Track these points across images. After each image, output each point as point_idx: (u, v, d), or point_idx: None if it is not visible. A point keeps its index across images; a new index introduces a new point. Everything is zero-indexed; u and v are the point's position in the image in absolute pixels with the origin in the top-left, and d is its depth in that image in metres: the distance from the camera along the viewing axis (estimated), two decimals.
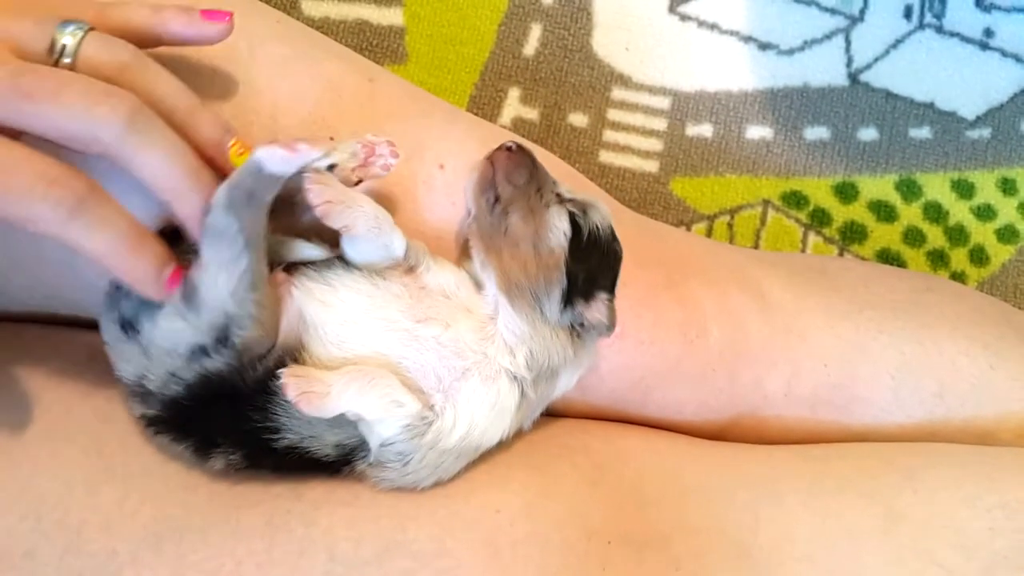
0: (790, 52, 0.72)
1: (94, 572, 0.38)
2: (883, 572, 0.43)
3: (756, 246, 0.69)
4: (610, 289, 0.43)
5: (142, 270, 0.36)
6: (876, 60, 0.72)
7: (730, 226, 0.70)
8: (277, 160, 0.36)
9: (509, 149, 0.43)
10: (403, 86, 0.49)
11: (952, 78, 0.72)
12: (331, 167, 0.39)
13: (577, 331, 0.43)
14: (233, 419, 0.38)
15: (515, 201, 0.42)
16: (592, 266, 0.42)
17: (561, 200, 0.43)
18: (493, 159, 0.43)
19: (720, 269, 0.53)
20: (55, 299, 0.44)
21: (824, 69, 0.71)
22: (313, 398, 0.37)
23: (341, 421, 0.39)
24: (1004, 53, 0.73)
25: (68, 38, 0.36)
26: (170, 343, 0.38)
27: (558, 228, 0.42)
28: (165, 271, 0.36)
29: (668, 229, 0.56)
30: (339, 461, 0.40)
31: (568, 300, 0.42)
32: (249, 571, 0.38)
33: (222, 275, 0.37)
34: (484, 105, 0.68)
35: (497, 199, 0.42)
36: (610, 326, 0.42)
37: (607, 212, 0.44)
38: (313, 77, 0.45)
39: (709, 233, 0.69)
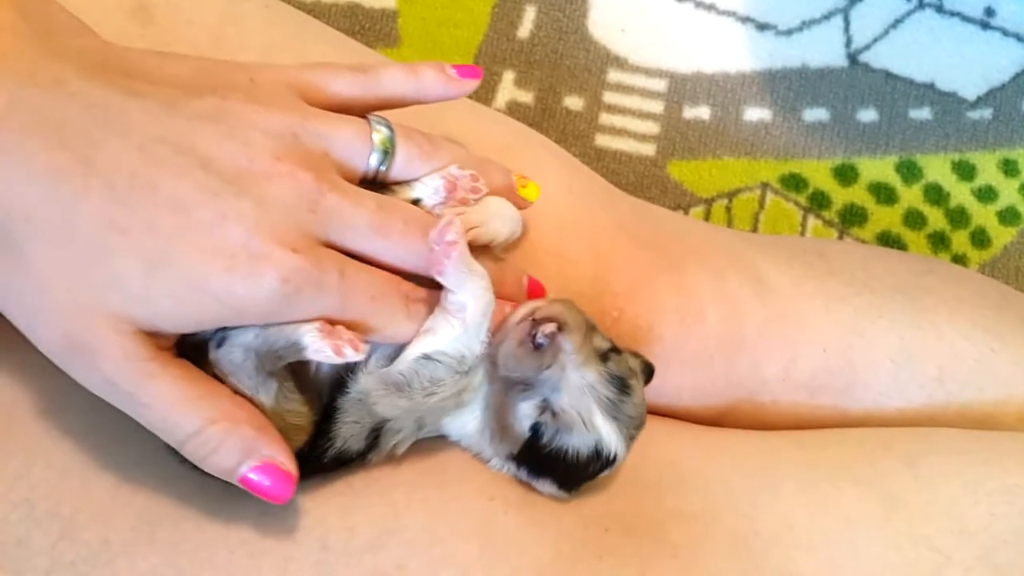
0: (788, 33, 0.71)
1: (87, 561, 0.38)
2: (881, 558, 0.43)
3: (755, 229, 0.69)
4: (566, 487, 0.40)
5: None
6: (876, 40, 0.71)
7: (728, 209, 0.69)
8: (322, 356, 0.35)
9: (532, 337, 0.38)
10: None
11: (953, 58, 0.72)
12: (415, 202, 0.39)
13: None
14: None
15: (497, 379, 0.39)
16: (545, 469, 0.40)
17: (544, 409, 0.38)
18: (510, 332, 0.38)
19: (718, 253, 0.52)
20: None
21: (823, 50, 0.71)
22: (465, 254, 0.36)
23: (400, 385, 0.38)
24: (1005, 32, 0.72)
25: (376, 135, 0.38)
26: None
27: (521, 423, 0.39)
28: None
29: (665, 213, 0.56)
30: (365, 449, 0.39)
31: (517, 463, 0.40)
32: (242, 560, 0.38)
33: (260, 393, 0.36)
34: (478, 88, 0.68)
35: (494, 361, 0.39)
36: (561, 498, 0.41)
37: (594, 439, 0.39)
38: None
39: (707, 217, 0.69)
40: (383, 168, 0.38)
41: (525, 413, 0.39)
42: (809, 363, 0.51)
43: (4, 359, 0.42)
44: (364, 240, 0.36)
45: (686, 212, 0.69)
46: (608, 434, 0.39)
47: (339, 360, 0.35)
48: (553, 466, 0.39)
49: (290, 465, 0.36)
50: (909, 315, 0.52)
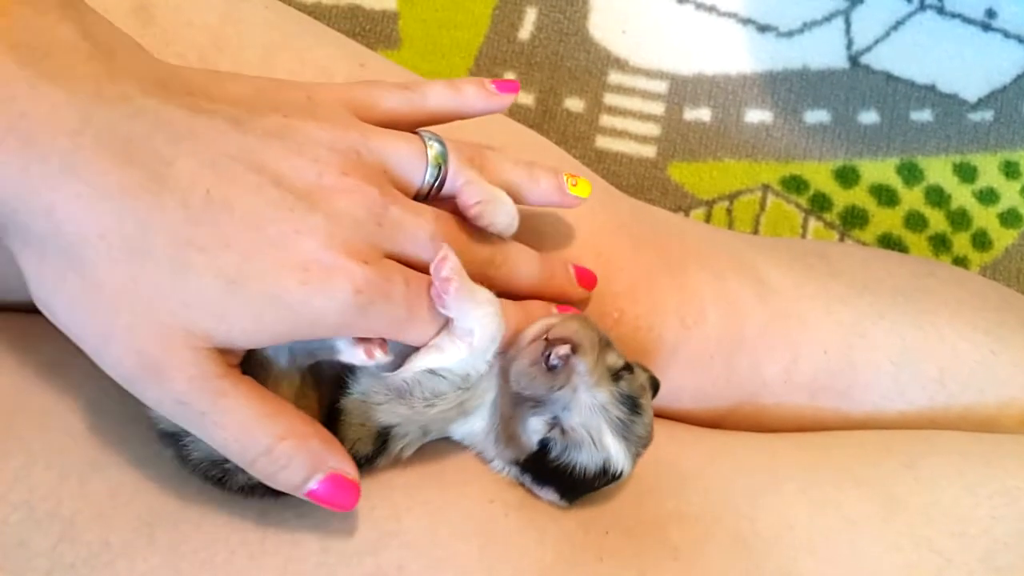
0: (789, 34, 0.71)
1: (87, 562, 0.38)
2: (882, 560, 0.43)
3: (756, 231, 0.69)
4: (567, 497, 0.41)
5: None
6: (877, 42, 0.71)
7: (729, 211, 0.69)
8: (356, 359, 0.37)
9: (545, 358, 0.38)
10: (395, 71, 0.49)
11: (954, 60, 0.72)
12: None
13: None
14: None
15: (508, 391, 0.39)
16: (549, 480, 0.40)
17: (554, 425, 0.39)
18: (523, 351, 0.38)
19: (718, 254, 0.52)
20: None
21: (824, 51, 0.71)
22: (464, 286, 0.36)
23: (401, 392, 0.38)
24: (1007, 34, 0.72)
25: (430, 151, 0.39)
26: None
27: (529, 436, 0.39)
28: None
29: (665, 215, 0.56)
30: (373, 454, 0.39)
31: (521, 469, 0.40)
32: (242, 561, 0.38)
33: (283, 386, 0.37)
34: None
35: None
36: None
37: (602, 457, 0.39)
38: (303, 63, 0.45)
39: (708, 219, 0.69)
40: (436, 183, 0.39)
41: (535, 428, 0.39)
42: (810, 364, 0.51)
43: (3, 361, 0.42)
44: (424, 250, 0.37)
45: (687, 214, 0.68)
46: (616, 453, 0.39)
47: (370, 363, 0.36)
48: (558, 478, 0.39)
49: (355, 474, 0.36)
50: (910, 317, 0.52)
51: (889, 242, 0.70)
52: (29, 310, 0.45)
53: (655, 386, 0.44)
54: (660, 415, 0.50)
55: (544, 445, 0.39)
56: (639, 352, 0.48)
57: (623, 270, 0.48)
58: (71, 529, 0.38)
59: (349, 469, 0.36)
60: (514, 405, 0.39)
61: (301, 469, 0.35)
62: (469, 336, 0.37)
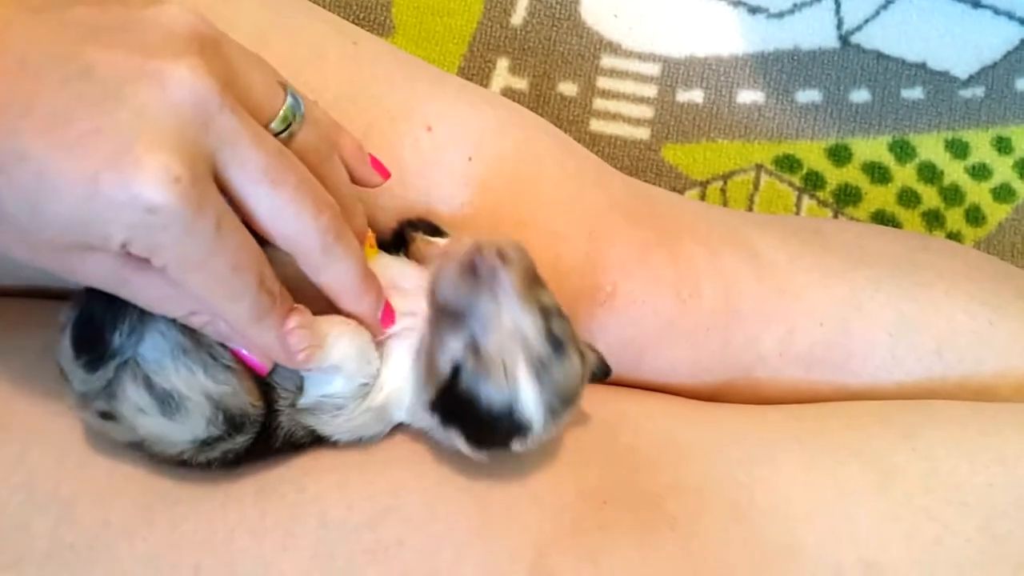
0: (780, 15, 0.71)
1: (87, 544, 0.38)
2: (880, 530, 0.43)
3: (750, 211, 0.69)
4: (474, 440, 0.39)
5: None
6: (867, 21, 0.72)
7: (723, 192, 0.69)
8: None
9: (472, 264, 0.36)
10: (388, 49, 0.49)
11: (944, 37, 0.72)
12: None
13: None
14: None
15: (434, 312, 0.38)
16: (456, 417, 0.38)
17: (469, 346, 0.37)
18: (452, 256, 0.37)
19: (713, 229, 0.52)
20: (46, 274, 0.44)
21: (815, 31, 0.71)
22: (314, 352, 0.36)
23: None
24: (996, 11, 0.72)
25: (289, 104, 0.34)
26: (163, 441, 0.38)
27: (444, 362, 0.37)
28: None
29: (660, 192, 0.56)
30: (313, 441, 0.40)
31: (432, 410, 0.39)
32: (242, 539, 0.38)
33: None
34: (472, 76, 0.68)
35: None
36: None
37: (509, 394, 0.37)
38: (296, 42, 0.45)
39: (702, 199, 0.69)
40: (284, 136, 0.34)
41: (451, 347, 0.37)
42: (806, 337, 0.51)
43: (2, 345, 0.42)
44: (252, 184, 0.32)
45: (681, 195, 0.69)
46: (526, 393, 0.37)
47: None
48: (464, 414, 0.38)
49: (256, 362, 0.36)
50: (906, 289, 0.52)
51: (882, 219, 0.70)
52: (28, 295, 0.45)
53: (605, 372, 0.42)
54: (656, 389, 0.50)
55: (456, 372, 0.37)
56: (633, 325, 0.48)
57: (617, 245, 0.48)
58: (70, 511, 0.38)
59: (254, 355, 0.36)
60: (437, 326, 0.38)
61: (217, 336, 0.35)
62: (338, 372, 0.37)
